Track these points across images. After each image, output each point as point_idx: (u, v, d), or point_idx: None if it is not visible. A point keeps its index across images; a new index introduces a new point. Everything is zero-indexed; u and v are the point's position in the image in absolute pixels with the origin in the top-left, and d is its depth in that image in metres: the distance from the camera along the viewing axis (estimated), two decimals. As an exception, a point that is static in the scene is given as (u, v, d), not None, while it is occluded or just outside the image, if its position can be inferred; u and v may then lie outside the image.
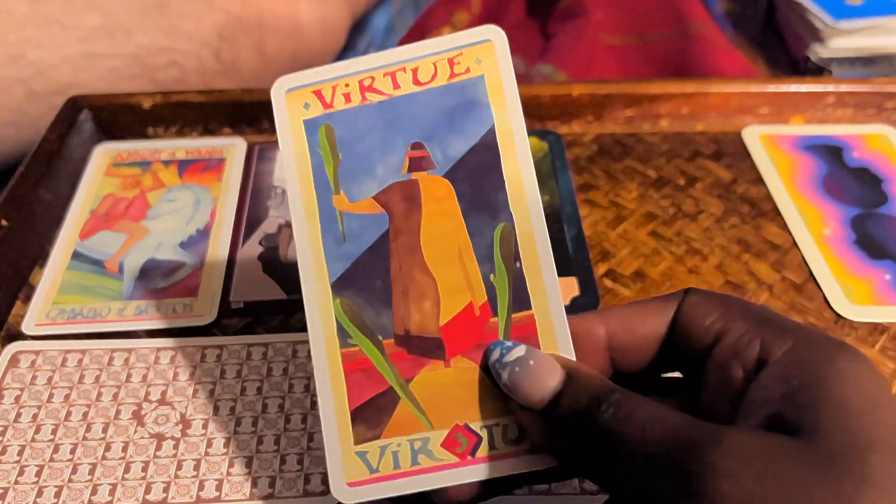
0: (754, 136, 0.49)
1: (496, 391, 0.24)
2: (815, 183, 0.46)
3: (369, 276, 0.26)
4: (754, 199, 0.45)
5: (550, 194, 0.45)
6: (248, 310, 0.39)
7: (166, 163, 0.47)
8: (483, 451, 0.24)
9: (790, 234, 0.43)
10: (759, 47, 0.82)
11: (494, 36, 0.27)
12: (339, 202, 0.26)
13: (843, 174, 0.46)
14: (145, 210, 0.44)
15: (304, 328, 0.25)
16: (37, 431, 0.33)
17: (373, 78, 0.27)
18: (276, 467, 0.32)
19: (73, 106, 0.48)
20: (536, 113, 0.50)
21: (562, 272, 0.40)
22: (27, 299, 0.39)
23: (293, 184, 0.26)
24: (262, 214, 0.44)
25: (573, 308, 0.38)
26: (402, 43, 0.77)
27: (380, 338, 0.25)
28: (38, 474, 0.32)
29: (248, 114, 0.49)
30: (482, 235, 0.26)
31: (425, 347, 0.25)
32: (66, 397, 0.35)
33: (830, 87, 0.50)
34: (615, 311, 0.25)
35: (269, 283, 0.40)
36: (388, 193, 0.26)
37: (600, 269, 0.41)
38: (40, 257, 0.42)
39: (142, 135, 0.50)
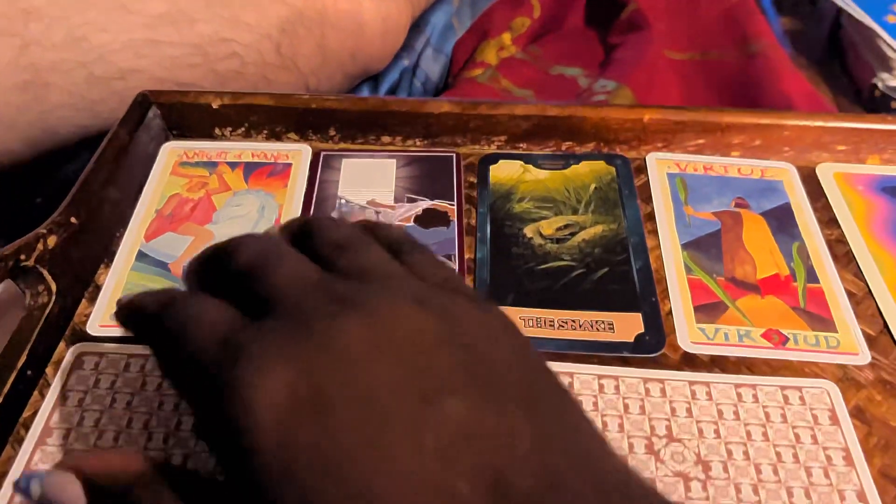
0: (829, 174, 0.48)
1: (796, 315, 0.39)
2: (891, 228, 0.44)
3: (707, 246, 0.43)
4: (828, 241, 0.44)
5: (616, 223, 0.44)
6: (309, 324, 0.38)
7: (232, 165, 0.47)
8: (790, 345, 0.38)
9: (865, 281, 0.41)
10: (819, 68, 0.80)
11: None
12: (687, 209, 0.45)
13: (920, 221, 0.45)
14: (210, 213, 0.44)
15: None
16: (98, 437, 0.33)
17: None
18: None
19: (143, 102, 0.48)
20: (604, 136, 0.49)
21: (627, 308, 0.39)
22: (92, 299, 0.39)
23: (658, 199, 0.46)
24: (324, 225, 0.44)
25: (637, 347, 0.38)
26: (459, 43, 0.76)
27: (713, 276, 0.41)
28: (102, 484, 0.32)
29: (315, 121, 0.49)
30: (784, 245, 0.43)
31: (746, 286, 0.41)
32: (129, 403, 0.35)
33: (911, 127, 0.48)
34: None
35: (331, 298, 0.40)
36: (721, 213, 0.45)
37: (666, 307, 0.40)
38: (106, 256, 0.42)
39: (208, 135, 0.50)
